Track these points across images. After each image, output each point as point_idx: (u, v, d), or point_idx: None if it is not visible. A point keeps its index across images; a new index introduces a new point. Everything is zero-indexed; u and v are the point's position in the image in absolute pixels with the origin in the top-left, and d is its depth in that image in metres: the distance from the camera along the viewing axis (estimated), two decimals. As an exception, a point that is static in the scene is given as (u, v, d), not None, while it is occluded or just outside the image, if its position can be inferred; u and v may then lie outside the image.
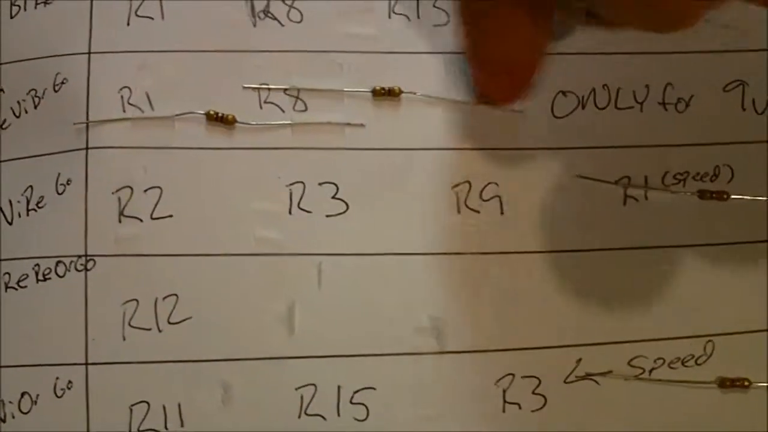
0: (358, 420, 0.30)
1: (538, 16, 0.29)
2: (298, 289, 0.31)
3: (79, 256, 0.31)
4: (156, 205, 0.31)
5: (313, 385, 0.30)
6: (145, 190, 0.31)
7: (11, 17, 0.33)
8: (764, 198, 0.32)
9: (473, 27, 0.30)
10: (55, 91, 0.32)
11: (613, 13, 0.27)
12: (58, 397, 0.30)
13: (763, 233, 0.32)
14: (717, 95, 0.33)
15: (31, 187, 0.31)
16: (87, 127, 0.31)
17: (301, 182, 0.32)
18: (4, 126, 0.32)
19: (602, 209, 0.32)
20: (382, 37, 0.33)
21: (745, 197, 0.32)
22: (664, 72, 0.32)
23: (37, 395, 0.30)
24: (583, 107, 0.32)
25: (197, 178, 0.31)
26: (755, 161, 0.32)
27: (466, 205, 0.32)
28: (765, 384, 0.31)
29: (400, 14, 0.33)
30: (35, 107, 0.32)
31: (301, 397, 0.30)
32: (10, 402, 0.30)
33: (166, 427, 0.30)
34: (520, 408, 0.30)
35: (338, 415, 0.30)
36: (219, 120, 0.32)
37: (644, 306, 0.31)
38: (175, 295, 0.31)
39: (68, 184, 0.31)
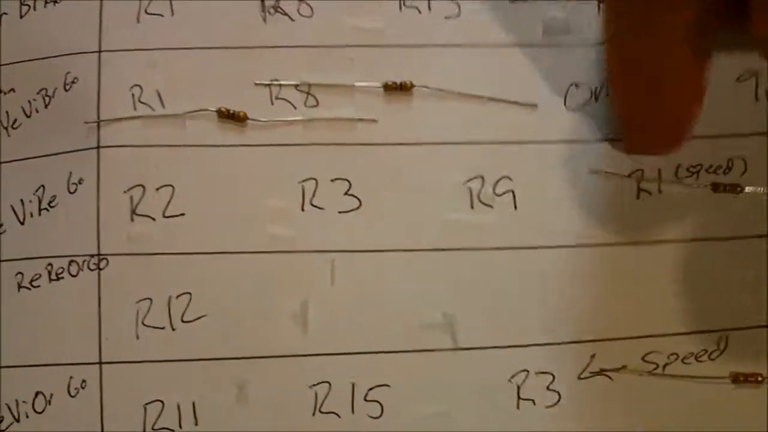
0: (373, 417, 0.30)
1: (704, 58, 0.28)
2: (312, 286, 0.31)
3: (92, 256, 0.31)
4: (168, 203, 0.31)
5: (327, 382, 0.30)
6: (157, 189, 0.31)
7: (21, 17, 0.33)
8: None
9: (626, 74, 0.29)
10: (66, 90, 0.32)
11: None
12: (71, 396, 0.30)
13: (777, 226, 0.31)
14: (730, 87, 0.32)
15: (42, 186, 0.31)
16: (98, 125, 0.31)
17: (314, 179, 0.31)
18: (14, 126, 0.32)
19: (616, 203, 0.31)
20: (393, 31, 0.32)
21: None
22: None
23: (51, 395, 0.30)
24: (596, 99, 0.32)
25: (209, 175, 0.31)
26: (769, 154, 0.32)
27: (480, 200, 0.31)
28: (778, 378, 0.31)
29: (411, 7, 0.33)
30: (46, 107, 0.32)
31: (316, 395, 0.30)
32: (24, 402, 0.30)
33: (180, 426, 0.30)
34: (534, 404, 0.30)
35: (352, 412, 0.30)
36: (230, 117, 0.32)
37: (658, 301, 0.31)
38: (189, 293, 0.31)
39: (80, 183, 0.31)
